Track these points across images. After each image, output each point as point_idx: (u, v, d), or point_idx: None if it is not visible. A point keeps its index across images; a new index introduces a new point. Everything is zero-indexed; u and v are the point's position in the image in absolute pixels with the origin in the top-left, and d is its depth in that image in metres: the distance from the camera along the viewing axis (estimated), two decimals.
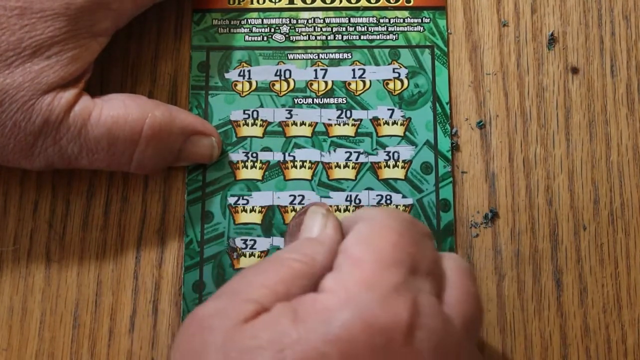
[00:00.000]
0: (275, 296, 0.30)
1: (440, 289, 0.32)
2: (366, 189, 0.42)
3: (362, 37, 0.43)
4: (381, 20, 0.43)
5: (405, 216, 0.34)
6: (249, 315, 0.30)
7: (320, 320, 0.29)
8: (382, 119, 0.42)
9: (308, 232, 0.35)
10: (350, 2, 0.44)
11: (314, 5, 0.44)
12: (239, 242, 0.41)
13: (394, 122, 0.42)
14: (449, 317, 0.31)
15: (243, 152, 0.42)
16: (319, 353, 0.28)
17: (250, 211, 0.41)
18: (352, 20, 0.44)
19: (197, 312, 0.31)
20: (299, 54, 0.43)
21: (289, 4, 0.44)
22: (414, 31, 0.43)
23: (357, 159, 0.42)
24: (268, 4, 0.44)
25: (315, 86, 0.43)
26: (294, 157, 0.42)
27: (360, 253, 0.31)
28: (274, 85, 0.43)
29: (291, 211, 0.41)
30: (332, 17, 0.44)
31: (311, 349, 0.28)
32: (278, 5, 0.44)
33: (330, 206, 0.41)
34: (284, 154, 0.42)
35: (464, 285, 0.33)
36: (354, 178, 0.42)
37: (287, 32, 0.43)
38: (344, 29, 0.43)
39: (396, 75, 0.43)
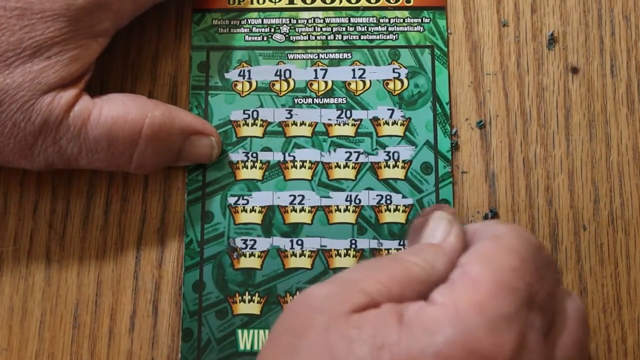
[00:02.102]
0: (389, 295, 0.30)
1: (550, 325, 0.31)
2: (366, 189, 0.42)
3: (362, 37, 0.43)
4: (381, 20, 0.43)
5: (532, 240, 0.32)
6: (359, 306, 0.30)
7: (423, 330, 0.28)
8: (382, 119, 0.42)
9: (430, 237, 0.34)
10: (350, 2, 0.44)
11: (314, 5, 0.44)
12: (239, 242, 0.41)
13: (394, 122, 0.42)
14: (553, 358, 0.31)
15: (243, 152, 0.42)
16: None
17: (250, 211, 0.41)
18: (352, 20, 0.44)
19: (309, 292, 0.31)
20: (299, 54, 0.43)
21: (289, 4, 0.44)
22: (414, 31, 0.43)
23: (357, 159, 0.42)
24: (268, 4, 0.44)
25: (315, 86, 0.43)
26: (294, 157, 0.42)
27: (478, 273, 0.30)
28: (274, 85, 0.43)
29: (291, 211, 0.41)
30: (332, 17, 0.44)
31: (408, 355, 0.28)
32: (278, 5, 0.44)
33: (330, 206, 0.41)
34: (284, 154, 0.42)
35: (578, 333, 0.32)
36: (354, 178, 0.42)
37: (287, 32, 0.43)
38: (344, 29, 0.43)
39: (396, 75, 0.43)
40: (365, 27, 0.43)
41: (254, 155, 0.42)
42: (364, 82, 0.43)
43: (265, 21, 0.44)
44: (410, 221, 0.36)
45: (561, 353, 0.31)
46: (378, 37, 0.43)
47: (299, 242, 0.41)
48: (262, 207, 0.41)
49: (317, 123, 0.42)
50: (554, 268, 0.32)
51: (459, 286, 0.30)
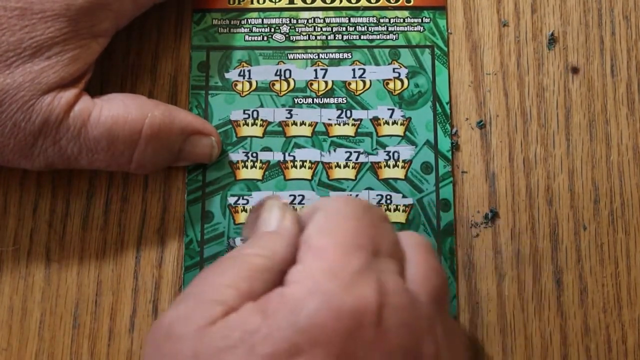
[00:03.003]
0: (240, 294, 0.30)
1: (402, 268, 0.33)
2: (366, 188, 0.42)
3: (362, 37, 0.43)
4: (381, 20, 0.43)
5: (361, 202, 0.34)
6: (217, 316, 0.30)
7: (288, 312, 0.29)
8: (382, 118, 0.42)
9: (266, 225, 0.34)
10: (350, 2, 0.44)
11: (314, 5, 0.44)
12: (239, 242, 0.41)
13: (394, 122, 0.42)
14: (415, 293, 0.32)
15: (243, 152, 0.42)
16: (290, 344, 0.28)
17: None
18: (352, 20, 0.44)
19: (162, 320, 0.31)
20: (299, 53, 0.43)
21: (289, 3, 0.44)
22: (414, 31, 0.43)
23: (357, 159, 0.42)
24: (268, 4, 0.44)
25: (315, 86, 0.43)
26: (294, 157, 0.42)
27: (322, 242, 0.31)
28: (274, 85, 0.43)
29: None
30: (332, 17, 0.44)
31: (282, 340, 0.28)
32: (278, 5, 0.44)
33: None
34: (284, 153, 0.42)
35: (424, 260, 0.33)
36: (354, 178, 0.42)
37: (287, 32, 0.43)
38: (344, 28, 0.43)
39: (396, 75, 0.43)
40: (365, 27, 0.43)
41: (254, 155, 0.42)
42: (364, 82, 0.43)
43: (265, 21, 0.44)
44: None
45: (420, 285, 0.32)
46: (378, 37, 0.43)
47: None
48: None
49: (317, 123, 0.42)
50: (387, 219, 0.34)
51: (308, 260, 0.31)
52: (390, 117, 0.42)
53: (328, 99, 0.43)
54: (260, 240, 0.33)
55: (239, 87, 0.43)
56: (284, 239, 0.33)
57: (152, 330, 0.31)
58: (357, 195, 0.41)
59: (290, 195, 0.41)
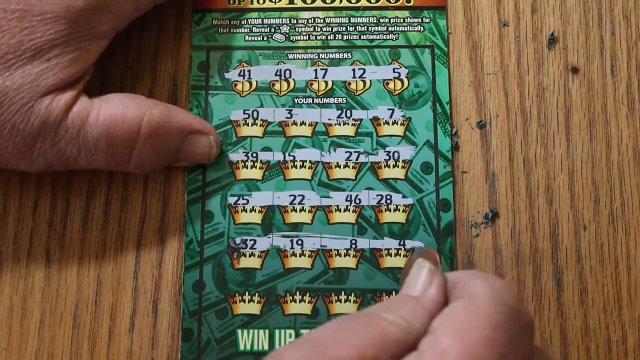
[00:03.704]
0: (362, 359, 0.29)
1: None
2: (366, 188, 0.42)
3: (362, 37, 0.43)
4: (381, 20, 0.43)
5: (510, 301, 0.31)
6: None
7: None
8: (382, 118, 0.42)
9: (410, 288, 0.33)
10: (350, 2, 0.44)
11: (314, 5, 0.44)
12: (239, 242, 0.41)
13: (394, 122, 0.42)
14: None
15: (243, 152, 0.42)
16: None
17: (250, 211, 0.41)
18: (352, 20, 0.43)
19: (282, 354, 0.30)
20: (299, 53, 0.43)
21: (289, 4, 0.44)
22: (414, 31, 0.43)
23: (357, 159, 0.42)
24: (268, 4, 0.44)
25: (315, 86, 0.43)
26: (294, 157, 0.42)
27: (448, 344, 0.29)
28: (274, 85, 0.43)
29: (291, 211, 0.41)
30: (332, 17, 0.44)
31: None
32: (278, 5, 0.44)
33: (330, 206, 0.41)
34: (284, 153, 0.42)
35: None
36: (354, 178, 0.42)
37: (287, 32, 0.43)
38: (344, 28, 0.43)
39: (396, 75, 0.43)
40: (366, 27, 0.43)
41: (254, 155, 0.42)
42: (364, 82, 0.43)
43: (265, 21, 0.44)
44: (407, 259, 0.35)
45: None
46: (378, 37, 0.43)
47: (299, 242, 0.41)
48: (262, 207, 0.41)
49: (317, 123, 0.42)
50: (530, 331, 0.31)
51: (429, 357, 0.29)
52: (390, 117, 0.42)
53: (328, 99, 0.43)
54: (402, 306, 0.32)
55: (239, 87, 0.43)
56: (424, 311, 0.31)
57: (270, 359, 0.30)
58: (357, 196, 0.41)
59: (290, 195, 0.41)
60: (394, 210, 0.41)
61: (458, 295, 0.31)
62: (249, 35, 0.43)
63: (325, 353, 0.29)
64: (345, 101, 0.42)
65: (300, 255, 0.41)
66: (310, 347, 0.30)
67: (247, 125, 0.42)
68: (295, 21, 0.44)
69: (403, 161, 0.42)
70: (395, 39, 0.43)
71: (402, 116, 0.42)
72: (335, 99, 0.43)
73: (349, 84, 0.43)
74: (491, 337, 0.29)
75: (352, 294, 0.40)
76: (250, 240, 0.41)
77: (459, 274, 0.33)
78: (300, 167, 0.42)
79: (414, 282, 0.33)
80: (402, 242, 0.41)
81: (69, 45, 0.37)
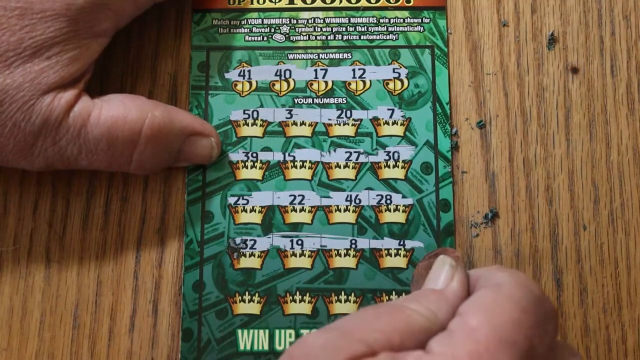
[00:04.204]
0: (389, 344, 0.29)
1: None
2: (366, 189, 0.42)
3: (362, 37, 0.43)
4: (381, 20, 0.43)
5: (535, 290, 0.31)
6: (356, 355, 0.29)
7: None
8: (382, 119, 0.42)
9: (433, 282, 0.33)
10: (350, 2, 0.44)
11: (314, 5, 0.44)
12: (239, 242, 0.41)
13: (394, 122, 0.42)
14: None
15: (243, 152, 0.42)
16: None
17: (250, 211, 0.41)
18: (352, 20, 0.44)
19: (307, 340, 0.30)
20: (299, 54, 0.43)
21: (289, 4, 0.44)
22: (414, 31, 0.43)
23: (357, 159, 0.42)
24: (268, 4, 0.44)
25: (315, 86, 0.43)
26: (294, 157, 0.42)
27: (477, 323, 0.29)
28: (274, 85, 0.43)
29: (291, 211, 0.41)
30: (332, 17, 0.44)
31: None
32: (278, 5, 0.44)
33: (330, 206, 0.41)
34: (284, 154, 0.42)
35: None
36: (354, 178, 0.42)
37: (287, 32, 0.43)
38: (344, 29, 0.43)
39: (396, 75, 0.43)
40: (365, 27, 0.43)
41: (254, 155, 0.42)
42: (364, 82, 0.43)
43: (265, 21, 0.44)
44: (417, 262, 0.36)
45: None
46: (378, 37, 0.43)
47: (299, 242, 0.41)
48: (262, 207, 0.41)
49: (317, 123, 0.42)
50: (554, 320, 0.32)
51: (458, 336, 0.29)
52: (390, 117, 0.42)
53: (328, 99, 0.43)
54: (426, 298, 0.32)
55: (239, 87, 0.43)
56: (448, 303, 0.32)
57: (293, 347, 0.30)
58: (357, 196, 0.41)
59: (290, 195, 0.41)
60: (394, 211, 0.41)
61: (482, 287, 0.32)
62: (249, 36, 0.43)
63: (352, 337, 0.29)
64: (345, 101, 0.43)
65: (300, 255, 0.41)
66: (336, 332, 0.30)
67: (247, 125, 0.42)
68: (295, 21, 0.44)
69: (403, 161, 0.42)
70: (395, 39, 0.43)
71: (402, 116, 0.42)
72: (335, 99, 0.43)
73: (349, 84, 0.43)
74: (519, 319, 0.30)
75: (352, 294, 0.40)
76: (250, 240, 0.41)
77: (480, 270, 0.34)
78: (300, 167, 0.42)
79: (437, 277, 0.33)
80: (402, 242, 0.41)
81: (70, 43, 0.37)
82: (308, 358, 0.29)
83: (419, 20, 0.44)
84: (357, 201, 0.41)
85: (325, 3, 0.44)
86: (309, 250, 0.41)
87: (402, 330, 0.30)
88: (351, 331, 0.30)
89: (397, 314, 0.31)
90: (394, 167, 0.42)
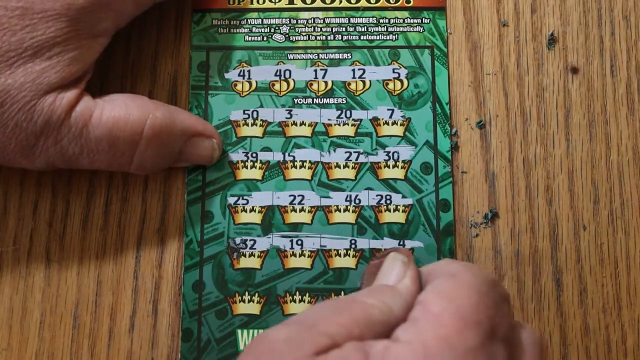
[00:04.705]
0: (350, 336, 0.30)
1: (512, 357, 0.32)
2: (366, 189, 0.42)
3: (362, 37, 0.43)
4: (381, 21, 0.43)
5: (488, 277, 0.33)
6: (321, 348, 0.29)
7: None
8: (382, 119, 0.42)
9: (386, 278, 0.34)
10: (350, 2, 0.44)
11: (314, 5, 0.44)
12: (239, 242, 0.41)
13: (394, 122, 0.42)
14: None
15: (243, 152, 0.42)
16: None
17: (250, 211, 0.41)
18: (352, 20, 0.44)
19: (268, 335, 0.30)
20: (299, 54, 0.43)
21: (289, 4, 0.44)
22: (413, 31, 0.43)
23: (357, 159, 0.42)
24: (268, 4, 0.44)
25: (315, 86, 0.43)
26: (293, 157, 0.42)
27: (440, 308, 0.30)
28: (274, 85, 0.43)
29: (291, 211, 0.41)
30: (332, 17, 0.44)
31: None
32: (278, 5, 0.44)
33: (330, 206, 0.41)
34: (283, 154, 0.42)
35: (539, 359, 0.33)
36: (353, 178, 0.42)
37: (287, 32, 0.43)
38: (343, 29, 0.43)
39: (396, 75, 0.43)
40: (365, 27, 0.43)
41: (254, 155, 0.42)
42: (364, 82, 0.43)
43: (265, 21, 0.44)
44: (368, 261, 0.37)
45: None
46: (378, 38, 0.43)
47: (299, 242, 0.41)
48: (262, 207, 0.41)
49: (317, 123, 0.42)
50: (509, 302, 0.33)
51: (423, 323, 0.30)
52: (390, 117, 0.42)
53: (328, 99, 0.43)
54: (380, 293, 0.33)
55: (239, 87, 0.43)
56: (401, 297, 0.32)
57: (254, 342, 0.31)
58: (356, 196, 0.41)
59: (290, 196, 0.41)
60: (394, 211, 0.41)
61: (437, 278, 0.33)
62: (249, 36, 0.43)
63: (314, 330, 0.30)
64: (345, 101, 0.43)
65: (300, 256, 0.41)
66: (298, 326, 0.31)
67: (247, 125, 0.42)
68: (295, 21, 0.44)
69: (403, 161, 0.42)
70: (395, 39, 0.43)
71: (402, 116, 0.42)
72: (335, 99, 0.43)
73: (349, 84, 0.43)
74: (478, 302, 0.31)
75: None
76: (250, 240, 0.41)
77: (431, 265, 0.35)
78: (300, 167, 0.42)
79: (389, 273, 0.34)
80: (401, 242, 0.41)
81: (70, 43, 0.37)
82: (273, 353, 0.30)
83: (419, 21, 0.44)
84: (357, 201, 0.41)
85: (325, 3, 0.44)
86: (309, 251, 0.41)
87: (361, 323, 0.30)
88: (313, 324, 0.30)
89: (355, 307, 0.31)
90: (393, 167, 0.42)
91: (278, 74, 0.43)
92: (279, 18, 0.44)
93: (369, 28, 0.43)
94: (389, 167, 0.42)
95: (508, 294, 0.33)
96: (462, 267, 0.33)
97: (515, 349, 0.32)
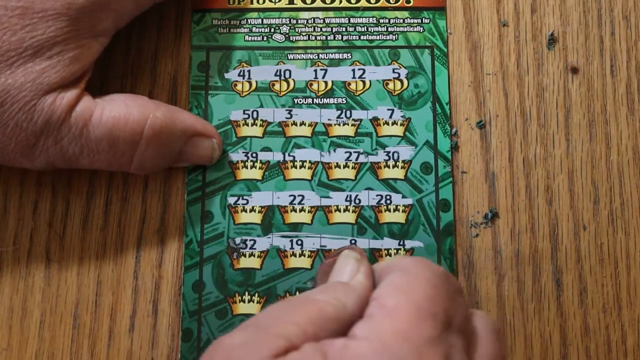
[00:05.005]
0: (305, 336, 0.30)
1: (469, 346, 0.32)
2: (366, 189, 0.42)
3: (362, 37, 0.43)
4: (381, 21, 0.43)
5: (440, 270, 0.33)
6: (279, 351, 0.29)
7: None
8: (382, 119, 0.42)
9: (339, 275, 0.34)
10: (350, 2, 0.44)
11: (314, 5, 0.44)
12: (238, 242, 0.41)
13: (394, 122, 0.42)
14: None
15: (243, 152, 0.42)
16: None
17: (250, 211, 0.41)
18: (352, 20, 0.44)
19: (224, 340, 0.30)
20: (299, 54, 0.43)
21: (289, 4, 0.44)
22: (413, 31, 0.43)
23: (357, 159, 0.42)
24: (268, 4, 0.44)
25: (315, 86, 0.43)
26: (293, 157, 0.42)
27: (395, 303, 0.31)
28: (274, 85, 0.43)
29: (291, 211, 0.41)
30: (332, 17, 0.44)
31: None
32: (278, 5, 0.44)
33: (330, 206, 0.41)
34: (283, 154, 0.42)
35: (494, 347, 0.33)
36: (353, 178, 0.42)
37: (287, 32, 0.43)
38: (343, 29, 0.43)
39: (396, 75, 0.43)
40: (365, 27, 0.43)
41: (254, 155, 0.42)
42: (364, 82, 0.43)
43: (265, 21, 0.44)
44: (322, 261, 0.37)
45: None
46: (378, 38, 0.43)
47: (299, 242, 0.41)
48: (262, 207, 0.41)
49: (317, 123, 0.42)
50: (462, 293, 0.33)
51: (379, 318, 0.30)
52: (390, 117, 0.42)
53: (328, 99, 0.43)
54: (333, 290, 0.33)
55: (239, 87, 0.43)
56: (355, 293, 0.32)
57: (210, 348, 0.31)
58: (356, 196, 0.41)
59: (290, 196, 0.41)
60: (394, 211, 0.41)
61: (390, 273, 0.33)
62: (249, 35, 0.43)
63: (270, 333, 0.30)
64: (345, 101, 0.43)
65: (300, 256, 0.41)
66: (253, 329, 0.31)
67: (247, 125, 0.42)
68: (295, 21, 0.44)
69: (403, 161, 0.42)
70: (395, 39, 0.43)
71: (402, 116, 0.42)
72: (335, 99, 0.43)
73: (349, 84, 0.43)
74: (432, 294, 0.31)
75: None
76: (250, 240, 0.41)
77: (383, 262, 0.35)
78: (300, 167, 0.42)
79: (342, 270, 0.34)
80: (401, 242, 0.41)
81: (70, 43, 0.37)
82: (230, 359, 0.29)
83: (419, 21, 0.44)
84: (357, 201, 0.41)
85: (325, 3, 0.44)
86: (309, 251, 0.41)
87: (315, 321, 0.30)
88: (268, 327, 0.30)
89: (308, 305, 0.31)
90: (393, 167, 0.42)
91: (278, 74, 0.43)
92: (279, 18, 0.44)
93: (369, 28, 0.43)
94: (389, 167, 0.42)
95: (461, 286, 0.34)
96: (414, 262, 0.33)
97: (472, 338, 0.32)
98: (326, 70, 0.43)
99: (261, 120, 0.42)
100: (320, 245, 0.41)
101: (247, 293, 0.40)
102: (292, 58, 0.43)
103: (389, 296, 0.31)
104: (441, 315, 0.30)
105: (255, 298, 0.40)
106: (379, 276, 0.34)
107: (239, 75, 0.43)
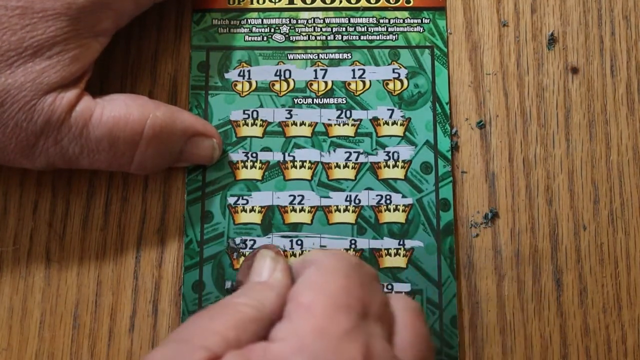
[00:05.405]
0: (227, 343, 0.30)
1: (390, 331, 0.32)
2: (366, 189, 0.42)
3: (362, 38, 0.43)
4: (381, 21, 0.43)
5: (352, 259, 0.33)
6: None
7: None
8: (382, 119, 0.42)
9: (257, 275, 0.35)
10: (350, 2, 0.44)
11: (314, 5, 0.44)
12: (238, 242, 0.41)
13: (394, 122, 0.42)
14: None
15: (243, 152, 0.42)
16: None
17: (250, 211, 0.41)
18: (352, 20, 0.44)
19: (146, 358, 0.30)
20: (299, 54, 0.43)
21: (289, 4, 0.44)
22: (413, 31, 0.43)
23: (357, 159, 0.42)
24: (268, 4, 0.44)
25: (315, 86, 0.43)
26: (293, 157, 0.42)
27: (310, 300, 0.31)
28: (273, 85, 0.43)
29: (291, 211, 0.41)
30: (332, 17, 0.44)
31: None
32: (278, 5, 0.44)
33: (330, 206, 0.41)
34: (283, 154, 0.42)
35: (414, 327, 0.33)
36: (353, 178, 0.42)
37: (287, 32, 0.43)
38: (343, 29, 0.43)
39: (396, 75, 0.43)
40: (365, 27, 0.43)
41: (254, 155, 0.42)
42: (364, 82, 0.43)
43: (265, 21, 0.44)
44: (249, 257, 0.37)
45: (407, 353, 0.32)
46: (378, 38, 0.43)
47: (299, 242, 0.41)
48: (261, 207, 0.41)
49: (317, 123, 0.42)
50: (377, 280, 0.34)
51: (296, 317, 0.31)
52: (390, 117, 0.42)
53: (328, 99, 0.43)
54: (251, 290, 0.33)
55: (239, 87, 0.43)
56: (273, 291, 0.33)
57: None
58: (356, 196, 0.41)
59: (290, 196, 0.41)
60: (394, 210, 0.41)
61: (304, 269, 0.33)
62: (249, 36, 0.43)
63: (191, 345, 0.30)
64: (345, 101, 0.43)
65: (299, 256, 0.41)
66: (174, 344, 0.31)
67: (247, 125, 0.42)
68: (295, 21, 0.44)
69: (403, 161, 0.42)
70: (395, 39, 0.43)
71: (402, 116, 0.42)
72: (335, 99, 0.43)
73: (349, 84, 0.43)
74: (346, 285, 0.31)
75: None
76: (250, 240, 0.41)
77: (300, 257, 0.35)
78: (300, 167, 0.42)
79: (260, 269, 0.35)
80: (401, 242, 0.41)
81: (70, 43, 0.37)
82: None
83: (419, 21, 0.44)
84: (357, 201, 0.41)
85: (325, 3, 0.44)
86: (309, 251, 0.41)
87: (235, 325, 0.31)
88: (189, 339, 0.30)
89: (227, 310, 0.31)
90: (393, 167, 0.42)
91: (278, 74, 0.43)
92: (279, 18, 0.44)
93: (369, 28, 0.43)
94: (389, 167, 0.42)
95: (375, 272, 0.34)
96: (327, 255, 0.33)
97: (392, 322, 0.33)
98: (326, 70, 0.43)
99: (261, 120, 0.42)
100: (320, 246, 0.41)
101: None
102: (292, 58, 0.43)
103: (303, 293, 0.31)
104: (356, 306, 0.31)
105: None
106: (297, 272, 0.34)
107: (239, 75, 0.43)
